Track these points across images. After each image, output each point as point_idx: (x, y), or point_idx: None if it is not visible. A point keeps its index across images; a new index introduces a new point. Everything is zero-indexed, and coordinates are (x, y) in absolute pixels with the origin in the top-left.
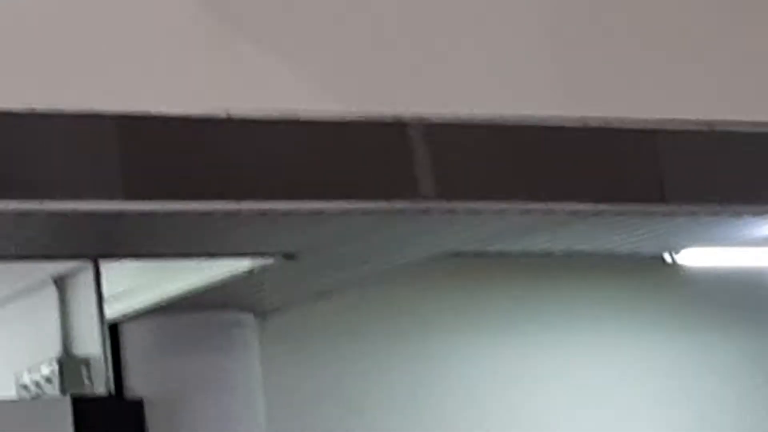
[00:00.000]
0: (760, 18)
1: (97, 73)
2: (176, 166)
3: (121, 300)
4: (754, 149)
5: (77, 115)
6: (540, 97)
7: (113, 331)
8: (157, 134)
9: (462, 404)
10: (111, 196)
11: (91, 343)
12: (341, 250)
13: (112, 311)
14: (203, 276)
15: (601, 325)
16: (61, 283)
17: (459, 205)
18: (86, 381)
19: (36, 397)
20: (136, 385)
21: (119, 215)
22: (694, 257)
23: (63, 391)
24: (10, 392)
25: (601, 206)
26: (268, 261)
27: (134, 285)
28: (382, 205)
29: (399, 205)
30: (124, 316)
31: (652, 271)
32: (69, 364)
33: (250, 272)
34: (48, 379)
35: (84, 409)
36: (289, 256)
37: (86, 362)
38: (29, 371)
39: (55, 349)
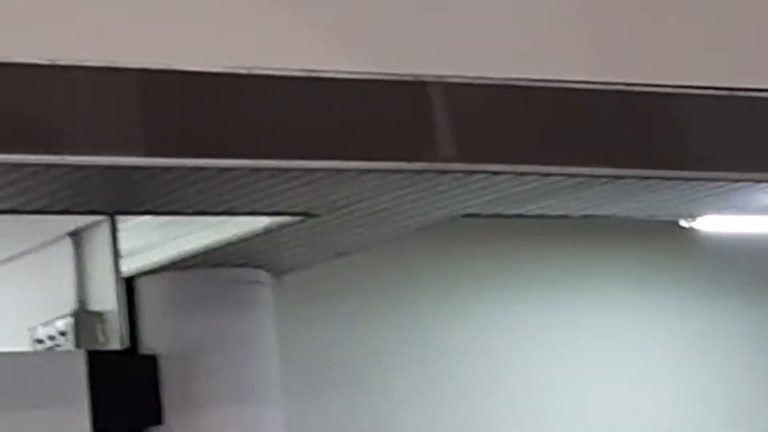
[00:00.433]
0: None
1: (119, 27)
2: (196, 123)
3: (138, 256)
4: None
5: (99, 68)
6: (562, 60)
7: (129, 287)
8: (178, 90)
9: (476, 365)
10: (132, 151)
11: (106, 298)
12: (359, 209)
13: (128, 267)
14: (220, 233)
15: (615, 290)
16: (77, 237)
17: (478, 166)
18: (101, 336)
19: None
20: (151, 341)
21: (139, 170)
22: (711, 223)
23: (77, 345)
24: (24, 346)
25: (621, 171)
26: (286, 219)
27: (151, 241)
28: (401, 165)
29: (418, 165)
30: (140, 271)
31: (668, 237)
32: (84, 319)
33: (268, 230)
34: (62, 333)
35: (98, 363)
36: (307, 215)
37: (101, 317)
38: (44, 325)
39: (70, 303)
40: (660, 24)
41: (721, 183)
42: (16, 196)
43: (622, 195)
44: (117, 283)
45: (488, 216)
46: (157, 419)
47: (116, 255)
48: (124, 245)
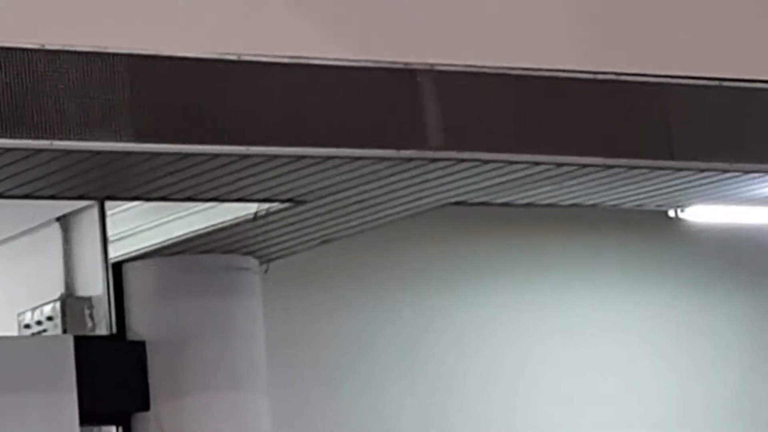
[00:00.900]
0: None
1: (109, 12)
2: (186, 108)
3: (126, 241)
4: (764, 107)
5: (88, 53)
6: (551, 50)
7: (117, 272)
8: (167, 75)
9: (464, 352)
10: (120, 137)
11: (94, 284)
12: (347, 197)
13: (116, 252)
14: (209, 219)
15: (603, 278)
16: (65, 222)
17: (467, 155)
18: (88, 321)
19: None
20: (138, 327)
21: (128, 155)
22: (698, 213)
23: (65, 330)
24: (12, 331)
25: (610, 160)
26: (274, 206)
27: (139, 226)
28: (390, 152)
29: (407, 153)
30: (129, 257)
31: (656, 226)
32: (72, 304)
33: (256, 217)
34: (50, 318)
35: (86, 348)
36: (295, 202)
37: (89, 302)
38: (32, 310)
39: (58, 289)
40: (649, 15)
41: (710, 173)
42: (3, 181)
43: (611, 184)
44: (105, 268)
45: (477, 204)
46: (145, 404)
47: (104, 240)
48: (112, 231)
